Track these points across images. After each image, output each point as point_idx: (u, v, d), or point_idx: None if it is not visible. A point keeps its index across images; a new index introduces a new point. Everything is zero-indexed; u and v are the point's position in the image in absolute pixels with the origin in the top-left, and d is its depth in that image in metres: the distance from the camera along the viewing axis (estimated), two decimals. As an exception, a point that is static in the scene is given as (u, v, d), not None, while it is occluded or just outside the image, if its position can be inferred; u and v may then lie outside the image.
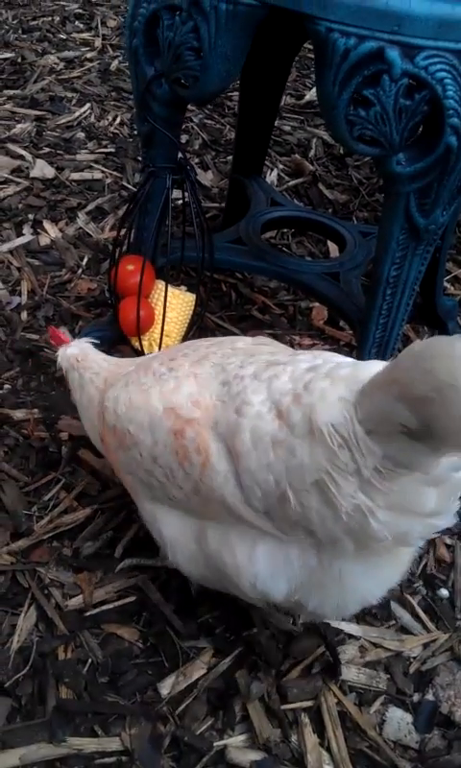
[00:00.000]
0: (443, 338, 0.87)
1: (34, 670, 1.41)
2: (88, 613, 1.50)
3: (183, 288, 1.90)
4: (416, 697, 1.48)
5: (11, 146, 2.85)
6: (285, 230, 2.58)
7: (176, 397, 1.21)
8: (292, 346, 2.22)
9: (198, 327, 1.92)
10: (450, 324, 2.26)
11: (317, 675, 1.48)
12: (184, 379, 1.22)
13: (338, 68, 1.29)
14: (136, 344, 1.84)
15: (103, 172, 2.82)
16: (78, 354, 1.54)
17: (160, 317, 1.78)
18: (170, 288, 1.80)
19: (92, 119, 3.14)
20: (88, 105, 3.20)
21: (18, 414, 1.89)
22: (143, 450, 1.27)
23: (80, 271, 2.36)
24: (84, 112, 3.16)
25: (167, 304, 1.78)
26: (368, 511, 0.99)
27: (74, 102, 3.23)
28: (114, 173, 2.83)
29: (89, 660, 1.44)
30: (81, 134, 3.03)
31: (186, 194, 1.71)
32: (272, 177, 2.98)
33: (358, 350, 1.72)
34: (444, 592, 1.66)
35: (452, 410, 0.85)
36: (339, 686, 1.48)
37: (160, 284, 1.80)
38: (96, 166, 2.84)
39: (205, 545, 1.25)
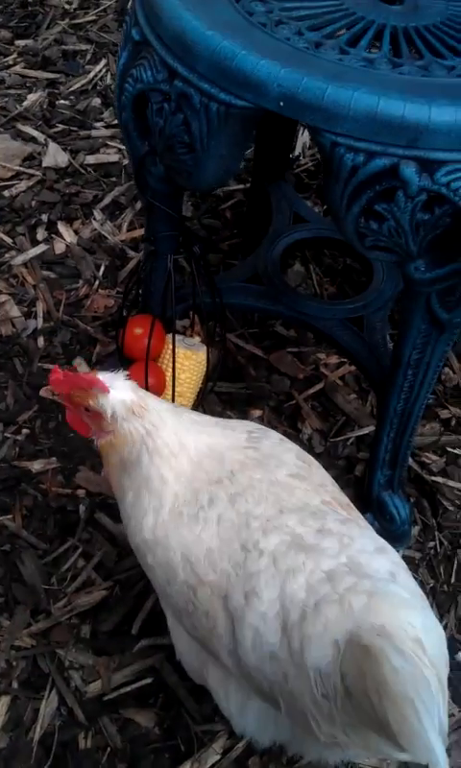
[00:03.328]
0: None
1: (56, 761, 1.48)
2: (107, 698, 1.55)
3: (197, 339, 1.81)
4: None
5: (21, 126, 2.66)
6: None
7: (196, 549, 1.17)
8: (317, 367, 2.13)
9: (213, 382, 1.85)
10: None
11: (329, 756, 1.52)
12: (208, 525, 1.17)
13: (346, 183, 1.14)
14: None
15: (119, 151, 2.63)
16: (136, 401, 1.22)
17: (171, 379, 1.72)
18: (181, 348, 1.72)
19: (108, 79, 2.89)
20: (104, 61, 2.95)
21: (36, 465, 1.88)
22: (157, 582, 1.26)
23: (96, 283, 2.26)
24: (100, 71, 2.91)
25: (179, 366, 1.71)
26: (343, 744, 1.00)
27: (89, 57, 2.97)
28: (133, 149, 2.63)
29: (109, 748, 1.51)
30: (96, 101, 2.81)
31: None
32: (304, 138, 2.73)
33: (378, 421, 1.63)
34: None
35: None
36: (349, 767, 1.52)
37: (171, 344, 1.71)
38: (112, 144, 2.65)
39: (206, 673, 1.26)
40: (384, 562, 1.06)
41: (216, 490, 1.20)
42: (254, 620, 1.06)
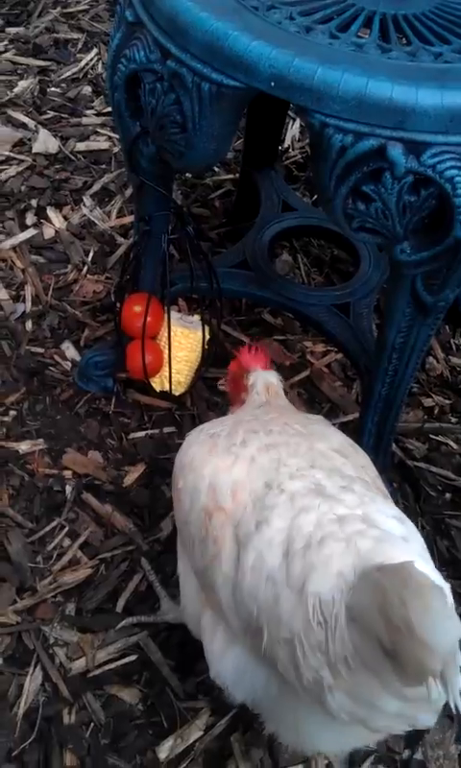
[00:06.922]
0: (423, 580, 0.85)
1: (40, 735, 1.50)
2: (91, 674, 1.57)
3: (196, 318, 1.82)
4: (405, 754, 1.55)
5: (12, 112, 2.67)
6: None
7: (223, 477, 1.20)
8: (304, 355, 2.16)
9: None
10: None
11: (310, 732, 1.55)
12: (241, 461, 1.21)
13: (334, 163, 1.16)
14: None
15: (110, 138, 2.64)
16: (276, 386, 1.53)
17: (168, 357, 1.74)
18: (179, 327, 1.73)
19: (100, 68, 2.90)
20: (95, 50, 2.95)
21: (23, 446, 1.89)
22: (180, 509, 1.29)
23: (85, 268, 2.27)
24: (91, 60, 2.92)
25: (176, 344, 1.73)
26: (327, 688, 0.98)
27: (80, 45, 2.98)
28: (123, 138, 2.65)
29: (92, 723, 1.52)
30: (87, 89, 2.82)
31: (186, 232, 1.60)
32: (294, 130, 2.76)
33: (363, 406, 1.66)
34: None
35: (417, 651, 0.84)
36: (331, 743, 1.54)
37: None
38: (102, 132, 2.66)
39: (202, 616, 1.28)
40: (400, 528, 1.08)
41: (251, 437, 1.26)
42: (258, 544, 1.09)
